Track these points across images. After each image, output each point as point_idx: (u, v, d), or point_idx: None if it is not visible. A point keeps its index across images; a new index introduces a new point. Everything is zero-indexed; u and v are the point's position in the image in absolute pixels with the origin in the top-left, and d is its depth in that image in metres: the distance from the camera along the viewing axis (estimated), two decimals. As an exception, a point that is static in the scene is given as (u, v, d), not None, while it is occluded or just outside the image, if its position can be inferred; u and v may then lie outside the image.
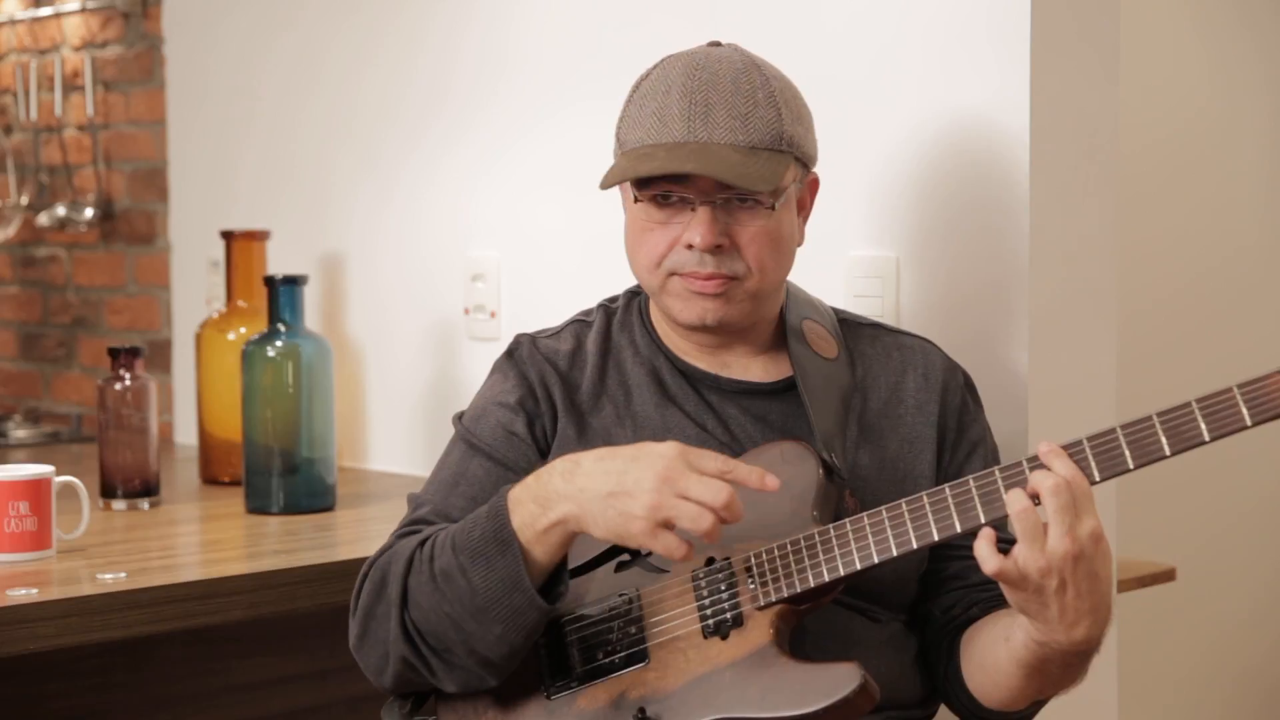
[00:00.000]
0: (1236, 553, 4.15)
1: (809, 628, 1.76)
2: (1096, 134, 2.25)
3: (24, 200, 3.86)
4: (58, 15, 3.76)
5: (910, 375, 1.93)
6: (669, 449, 1.66)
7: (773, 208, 1.84)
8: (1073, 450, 1.60)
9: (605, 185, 1.88)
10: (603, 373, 1.94)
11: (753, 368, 1.93)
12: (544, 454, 1.90)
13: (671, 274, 1.85)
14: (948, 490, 1.65)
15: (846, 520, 1.70)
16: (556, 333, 2.00)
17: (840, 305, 2.23)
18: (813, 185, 1.95)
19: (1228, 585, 4.11)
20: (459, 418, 1.98)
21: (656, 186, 1.84)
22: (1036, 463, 1.61)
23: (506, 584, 1.71)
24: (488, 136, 2.86)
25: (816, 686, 1.66)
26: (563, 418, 1.91)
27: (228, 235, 2.97)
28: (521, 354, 1.96)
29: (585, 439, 1.89)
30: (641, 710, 1.73)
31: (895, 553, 1.67)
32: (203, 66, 3.44)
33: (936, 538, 1.65)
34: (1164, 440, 1.57)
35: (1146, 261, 3.78)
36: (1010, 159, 2.17)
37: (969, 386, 1.97)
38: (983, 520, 1.63)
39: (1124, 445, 1.59)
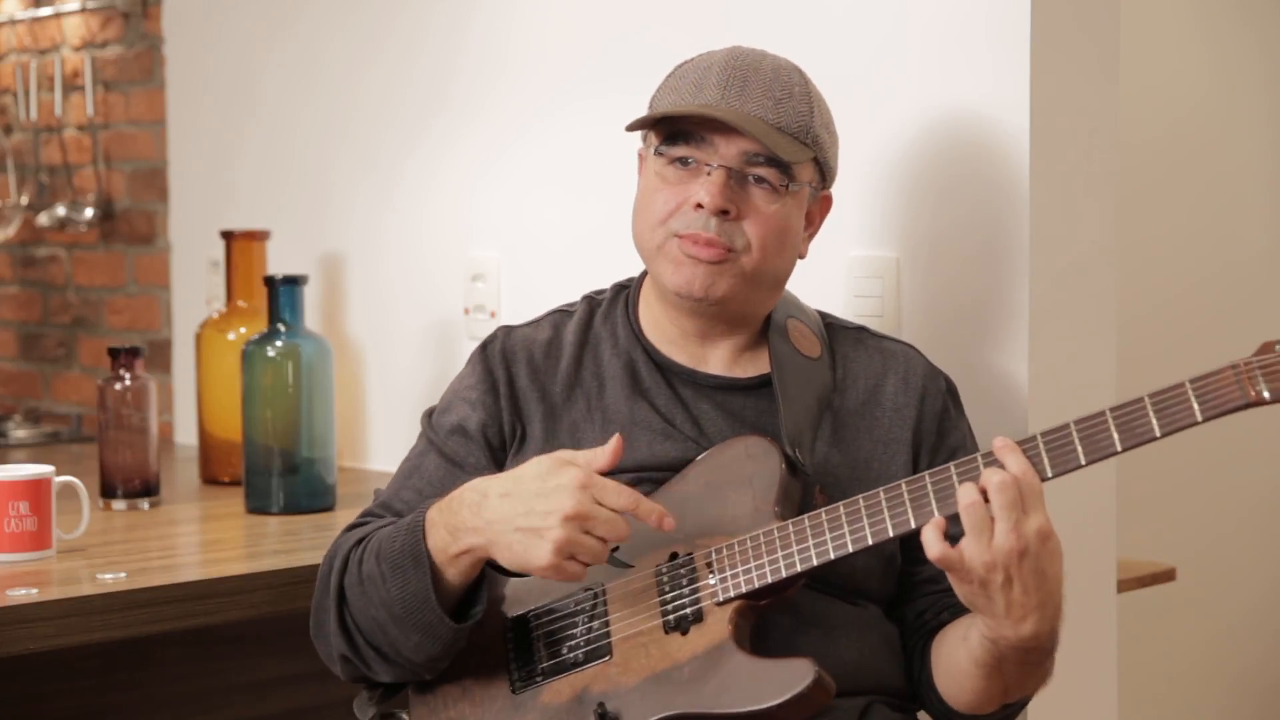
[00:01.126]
0: (1236, 553, 4.15)
1: (790, 613, 1.78)
2: (1096, 133, 2.25)
3: (24, 200, 3.86)
4: (58, 15, 3.76)
5: (890, 379, 1.94)
6: (573, 481, 1.68)
7: (786, 189, 1.86)
8: (1026, 446, 1.62)
9: (630, 127, 1.90)
10: (578, 363, 1.95)
11: (731, 364, 1.94)
12: (496, 451, 1.92)
13: (672, 236, 1.86)
14: (904, 486, 1.67)
15: (805, 516, 1.72)
16: (535, 323, 2.02)
17: (840, 305, 2.23)
18: (825, 202, 1.97)
19: (1228, 586, 4.11)
20: (429, 412, 2.01)
21: (679, 148, 1.86)
22: (991, 458, 1.63)
23: (419, 598, 1.77)
24: (488, 136, 2.86)
25: (771, 682, 1.67)
26: (530, 411, 1.93)
27: (228, 235, 2.97)
28: (494, 348, 1.98)
29: (554, 433, 1.91)
30: (601, 705, 1.74)
31: (851, 549, 1.69)
32: (203, 66, 3.44)
33: (892, 534, 1.67)
34: (1116, 436, 1.59)
35: (1147, 261, 3.78)
36: (1010, 158, 2.17)
37: (951, 393, 1.98)
38: (937, 516, 1.64)
39: (1076, 441, 1.60)
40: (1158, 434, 1.57)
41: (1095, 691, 2.30)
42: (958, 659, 1.77)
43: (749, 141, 1.84)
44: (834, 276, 2.32)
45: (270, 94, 3.27)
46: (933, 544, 1.61)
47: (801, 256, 1.94)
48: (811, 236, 1.96)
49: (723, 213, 1.84)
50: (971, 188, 2.22)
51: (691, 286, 1.86)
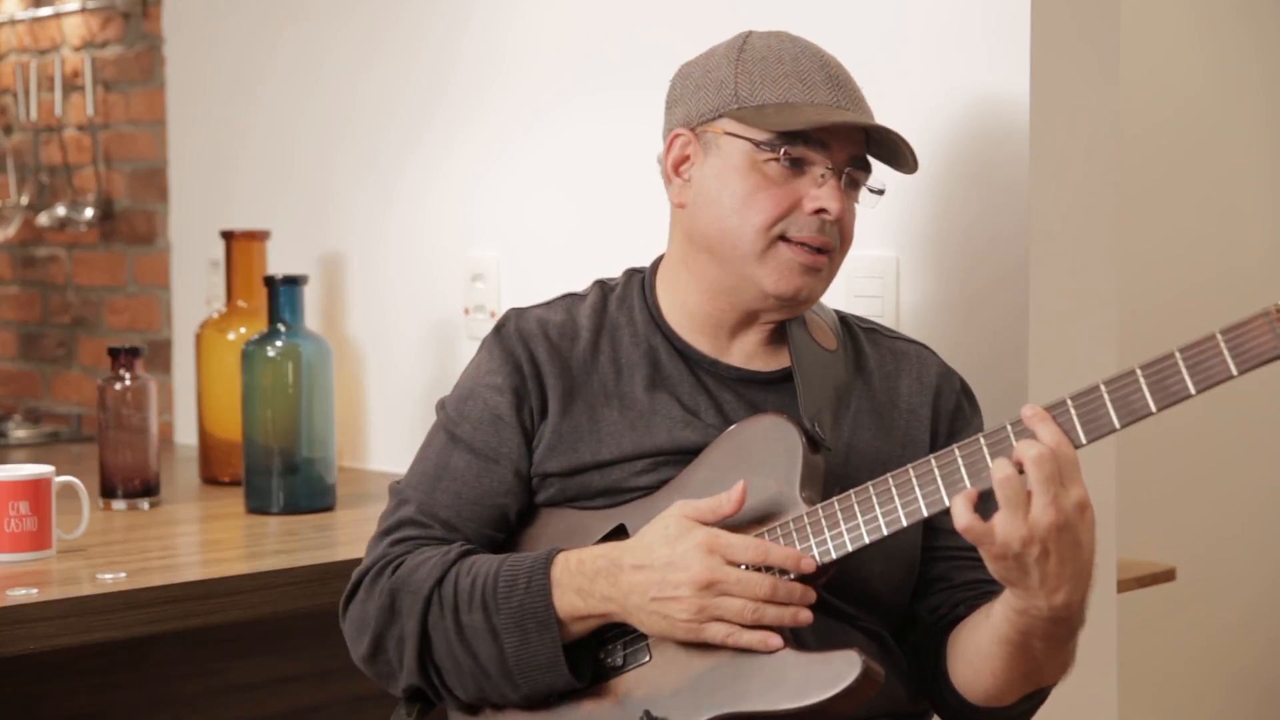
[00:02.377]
0: (1236, 553, 4.15)
1: (806, 641, 1.75)
2: (1096, 133, 2.25)
3: (24, 200, 3.86)
4: (58, 15, 3.76)
5: (904, 379, 1.93)
6: (700, 546, 1.67)
7: (875, 192, 1.88)
8: (1056, 411, 1.56)
9: (789, 129, 1.81)
10: (595, 346, 1.91)
11: (753, 357, 1.91)
12: (530, 437, 1.88)
13: (781, 239, 1.83)
14: (933, 461, 1.62)
15: (834, 500, 1.68)
16: (547, 304, 1.98)
17: (840, 305, 2.23)
18: None
19: (1228, 585, 4.11)
20: (442, 404, 1.95)
21: (798, 148, 1.81)
22: (1021, 427, 1.58)
23: (541, 662, 1.74)
24: (487, 136, 2.86)
25: (819, 676, 1.65)
26: (550, 388, 1.88)
27: (228, 235, 2.97)
28: (509, 329, 1.93)
29: (570, 413, 1.87)
30: (647, 712, 1.72)
31: (886, 532, 1.65)
32: (203, 66, 3.44)
33: (926, 513, 1.62)
34: (1149, 396, 1.52)
35: (1147, 261, 3.79)
36: (1010, 158, 2.17)
37: (965, 392, 1.96)
38: (969, 488, 1.59)
39: (1109, 403, 1.53)
40: (1193, 391, 1.49)
41: (1095, 691, 2.29)
42: (979, 641, 1.73)
43: (858, 145, 1.84)
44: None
45: (270, 94, 3.27)
46: (961, 514, 1.56)
47: None
48: None
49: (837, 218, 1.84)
50: (972, 187, 2.22)
51: (800, 293, 1.83)
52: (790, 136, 1.81)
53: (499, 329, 1.94)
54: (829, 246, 1.83)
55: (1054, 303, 2.20)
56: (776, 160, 1.82)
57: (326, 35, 3.14)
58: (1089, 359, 2.26)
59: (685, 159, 1.89)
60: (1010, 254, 2.18)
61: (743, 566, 1.68)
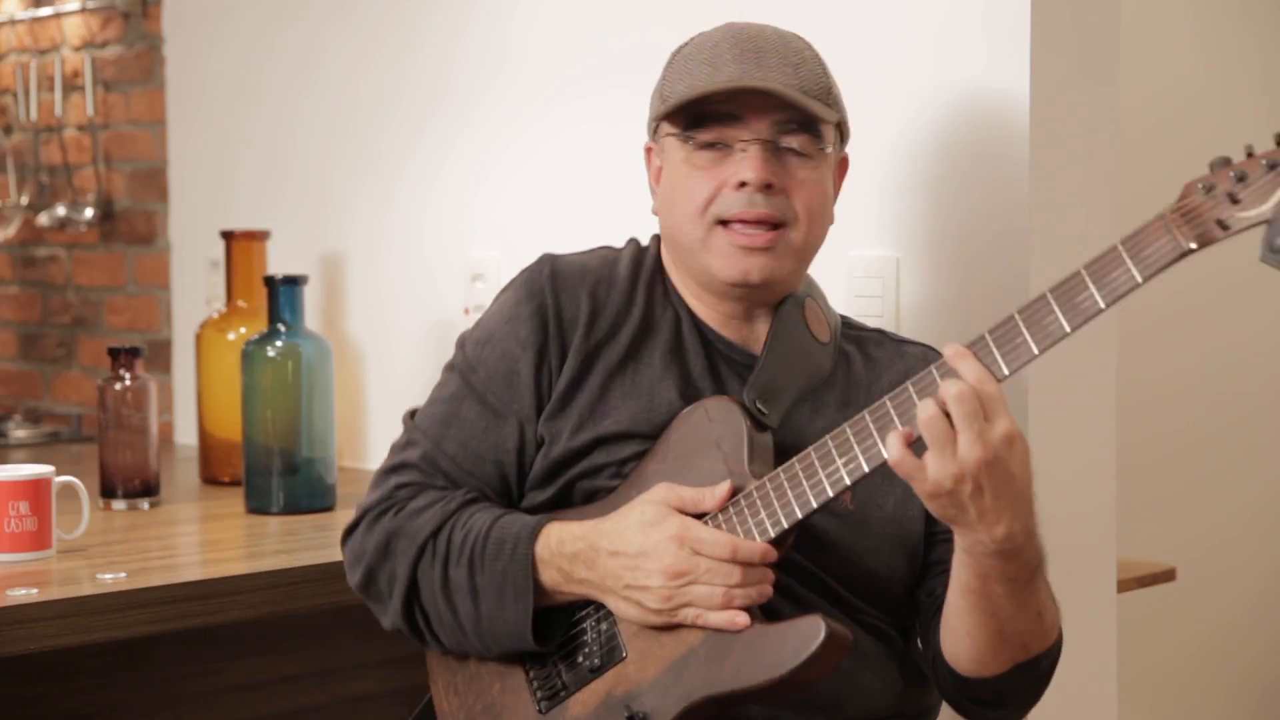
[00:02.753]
0: (1236, 553, 4.15)
1: None
2: (1097, 133, 2.25)
3: (24, 200, 3.86)
4: (58, 15, 3.76)
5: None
6: (670, 537, 1.69)
7: (822, 152, 1.83)
8: (976, 347, 1.57)
9: (658, 115, 1.85)
10: (630, 297, 1.90)
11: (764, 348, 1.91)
12: (543, 396, 1.87)
13: (717, 223, 1.82)
14: (867, 415, 1.63)
15: (780, 469, 1.69)
16: (585, 253, 1.95)
17: (840, 305, 2.23)
18: (843, 165, 1.95)
19: (1228, 586, 4.11)
20: (463, 342, 1.93)
21: (708, 131, 1.81)
22: (946, 368, 1.58)
23: (511, 629, 1.78)
24: (488, 136, 2.86)
25: (784, 648, 1.66)
26: (572, 345, 1.86)
27: (228, 235, 2.97)
28: (542, 274, 1.89)
29: (584, 381, 1.86)
30: (628, 708, 1.73)
31: (831, 493, 1.65)
32: (203, 66, 3.44)
33: (867, 468, 1.63)
34: (1061, 316, 1.53)
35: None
36: (1011, 158, 2.17)
37: None
38: (901, 429, 1.59)
39: (1024, 331, 1.55)
40: (1102, 304, 1.51)
41: (1095, 691, 2.30)
42: (951, 601, 1.73)
43: (780, 111, 1.80)
44: (834, 276, 2.31)
45: (270, 94, 3.27)
46: (893, 448, 1.57)
47: (830, 222, 1.91)
48: (835, 199, 1.93)
49: (767, 186, 1.79)
50: (972, 187, 2.22)
51: (749, 276, 1.82)
52: (696, 122, 1.81)
53: (533, 274, 1.90)
54: (772, 219, 1.81)
55: (1054, 302, 2.19)
56: (697, 148, 1.82)
57: (326, 35, 3.14)
58: (1089, 358, 2.26)
59: (659, 170, 1.92)
60: (1010, 254, 2.18)
61: None
